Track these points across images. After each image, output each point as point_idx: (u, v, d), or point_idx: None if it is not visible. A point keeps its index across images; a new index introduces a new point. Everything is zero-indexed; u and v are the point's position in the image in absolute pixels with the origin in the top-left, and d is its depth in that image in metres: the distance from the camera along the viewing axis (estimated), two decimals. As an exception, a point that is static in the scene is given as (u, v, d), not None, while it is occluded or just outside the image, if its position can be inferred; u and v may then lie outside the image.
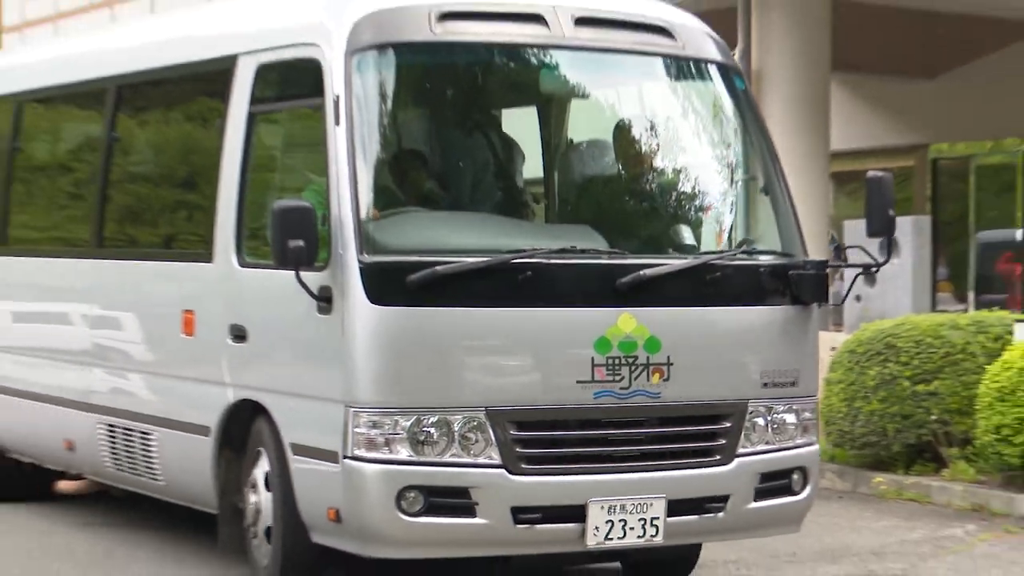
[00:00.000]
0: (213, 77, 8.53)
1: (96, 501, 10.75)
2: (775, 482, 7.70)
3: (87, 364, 9.57)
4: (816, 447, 7.98)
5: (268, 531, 7.77)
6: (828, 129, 13.85)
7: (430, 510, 7.06)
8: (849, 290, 7.95)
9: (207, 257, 8.27)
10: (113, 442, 9.25)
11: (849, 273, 7.99)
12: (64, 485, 10.99)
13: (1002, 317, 11.79)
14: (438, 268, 7.01)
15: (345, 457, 7.12)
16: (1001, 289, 16.63)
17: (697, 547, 8.31)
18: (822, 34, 13.46)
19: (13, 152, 10.93)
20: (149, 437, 8.86)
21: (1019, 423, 10.43)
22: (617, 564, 8.42)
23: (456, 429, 7.09)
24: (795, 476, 7.79)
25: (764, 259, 7.85)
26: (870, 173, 7.82)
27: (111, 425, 9.25)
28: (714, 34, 8.22)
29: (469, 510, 7.09)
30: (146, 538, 9.64)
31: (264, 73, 8.03)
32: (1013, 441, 10.50)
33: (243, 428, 7.99)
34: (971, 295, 16.85)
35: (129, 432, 9.06)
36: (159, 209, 9.41)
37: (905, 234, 13.37)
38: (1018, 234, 16.80)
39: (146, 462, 8.93)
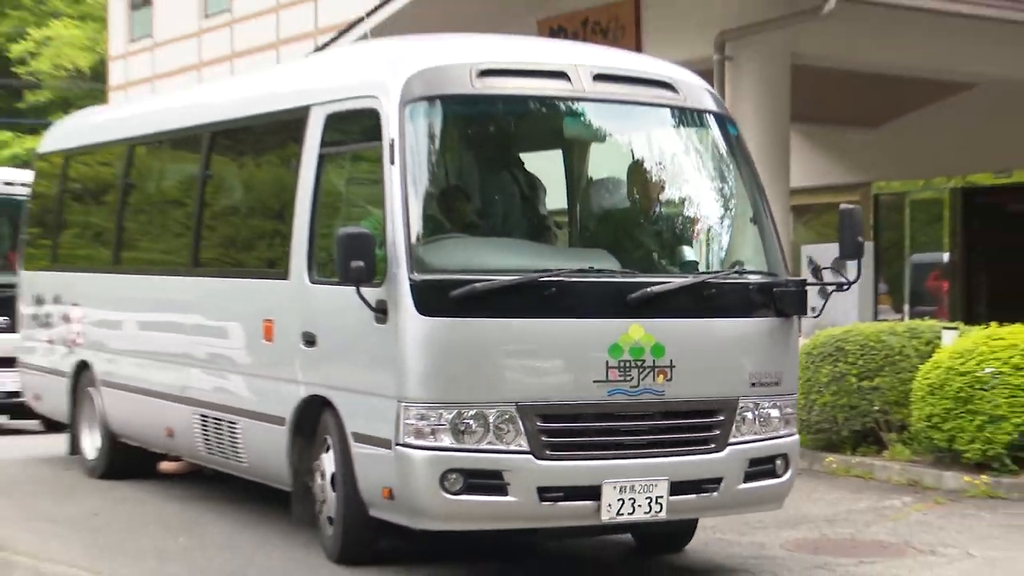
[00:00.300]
0: (290, 125, 8.18)
1: (191, 479, 10.45)
2: (761, 467, 7.34)
3: (185, 364, 9.24)
4: (796, 437, 7.61)
5: (333, 506, 7.45)
6: (788, 169, 13.58)
7: (468, 489, 6.75)
8: (824, 304, 7.52)
9: (284, 275, 7.93)
10: (205, 429, 8.94)
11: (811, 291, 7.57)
12: (165, 465, 10.69)
13: (932, 325, 11.55)
14: (476, 285, 6.71)
15: (397, 444, 6.82)
16: (931, 302, 16.54)
17: (695, 521, 7.95)
18: (783, 91, 13.19)
19: (125, 187, 10.58)
20: (235, 426, 8.54)
21: (946, 412, 10.20)
22: (628, 536, 8.05)
23: (491, 421, 6.76)
24: (778, 462, 7.43)
25: (753, 278, 7.45)
26: (842, 206, 7.53)
27: (204, 415, 8.94)
28: (711, 88, 7.94)
29: (502, 489, 6.77)
30: (229, 509, 9.32)
31: (332, 121, 7.71)
32: (941, 428, 10.27)
33: (313, 419, 7.67)
34: (906, 307, 16.73)
35: (219, 421, 8.75)
36: (244, 235, 9.04)
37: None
38: (944, 257, 16.65)
39: (232, 446, 8.62)
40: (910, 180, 17.05)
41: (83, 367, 10.72)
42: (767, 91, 12.90)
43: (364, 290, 6.79)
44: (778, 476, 7.41)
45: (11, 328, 13.45)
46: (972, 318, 13.94)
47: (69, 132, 12.15)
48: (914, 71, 14.35)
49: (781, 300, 7.34)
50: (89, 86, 36.64)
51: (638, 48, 13.44)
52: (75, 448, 10.93)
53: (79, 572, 7.42)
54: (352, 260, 6.70)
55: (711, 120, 7.72)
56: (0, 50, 39.26)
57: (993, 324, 10.64)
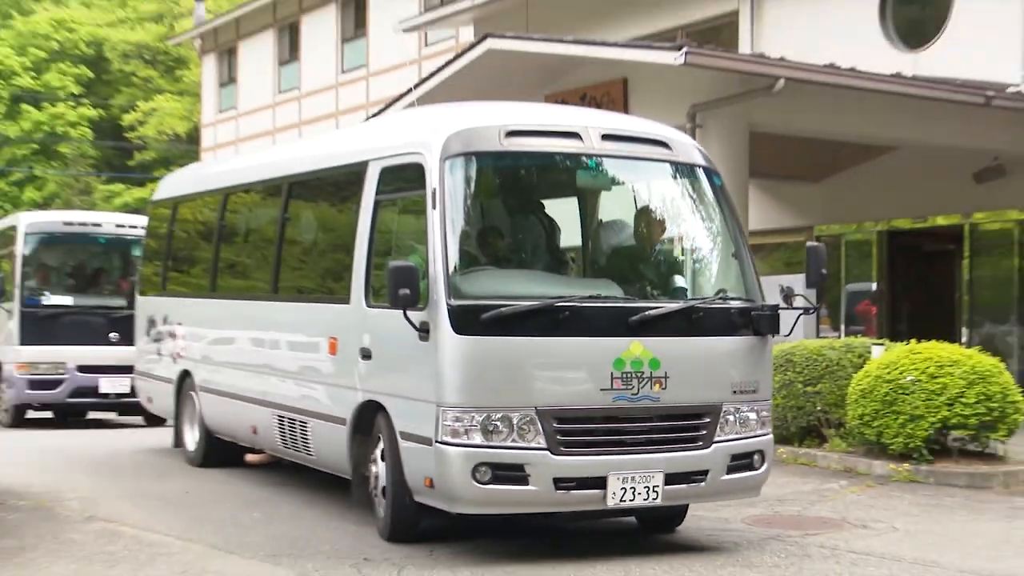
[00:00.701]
0: (351, 177, 7.72)
1: (272, 468, 9.93)
2: (741, 461, 6.86)
3: (266, 374, 8.73)
4: (770, 436, 7.09)
5: (384, 492, 6.98)
6: (747, 215, 13.16)
7: (495, 480, 6.32)
8: (794, 326, 7.03)
9: (346, 300, 7.45)
10: (282, 427, 8.44)
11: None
12: (251, 457, 10.12)
13: (863, 342, 11.14)
14: (503, 309, 6.30)
15: (436, 442, 6.37)
16: (861, 323, 16.15)
17: (686, 506, 7.41)
18: (742, 153, 12.75)
19: (220, 228, 10.11)
20: (306, 425, 8.05)
21: (875, 413, 9.82)
22: (632, 518, 7.53)
23: (515, 422, 6.33)
24: (755, 457, 6.94)
25: (734, 303, 6.95)
26: (809, 243, 7.13)
27: (281, 416, 8.44)
28: (700, 146, 7.46)
29: (523, 480, 6.34)
30: (298, 492, 8.81)
31: (385, 173, 7.25)
32: (871, 425, 9.88)
33: (368, 420, 7.18)
34: (842, 327, 16.32)
35: (293, 421, 8.25)
36: (315, 266, 8.55)
37: (798, 285, 12.58)
38: (873, 286, 16.24)
39: (303, 442, 8.13)
40: (845, 224, 16.68)
41: (185, 375, 10.24)
42: (730, 153, 12.44)
43: (410, 313, 6.37)
44: (756, 469, 6.93)
45: (121, 342, 13.02)
46: (895, 336, 13.71)
47: (176, 184, 11.74)
48: (848, 136, 13.99)
49: (758, 322, 6.87)
50: (185, 148, 36.59)
51: (626, 118, 13.00)
52: (178, 441, 10.46)
53: (172, 540, 7.04)
54: (400, 288, 6.30)
55: (700, 172, 7.24)
56: (115, 119, 39.46)
57: (913, 341, 10.30)
